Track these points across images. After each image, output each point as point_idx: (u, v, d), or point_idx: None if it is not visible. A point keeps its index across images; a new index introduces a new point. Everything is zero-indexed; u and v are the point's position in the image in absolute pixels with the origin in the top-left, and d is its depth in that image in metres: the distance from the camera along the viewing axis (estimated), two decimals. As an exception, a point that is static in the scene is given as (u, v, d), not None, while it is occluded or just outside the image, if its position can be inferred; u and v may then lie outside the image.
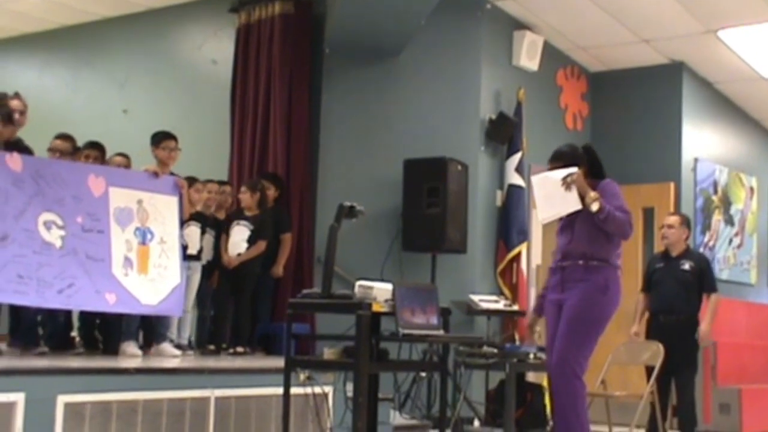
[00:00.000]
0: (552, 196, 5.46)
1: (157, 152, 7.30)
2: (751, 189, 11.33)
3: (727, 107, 10.80)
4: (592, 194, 5.33)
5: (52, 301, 6.25)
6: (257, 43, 9.26)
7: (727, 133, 10.94)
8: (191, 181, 7.74)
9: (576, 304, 5.37)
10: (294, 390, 5.24)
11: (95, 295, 6.44)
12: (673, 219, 7.83)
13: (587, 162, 5.58)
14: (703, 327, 7.49)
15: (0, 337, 7.37)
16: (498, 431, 6.38)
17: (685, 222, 7.84)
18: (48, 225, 6.27)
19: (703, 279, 7.62)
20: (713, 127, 10.53)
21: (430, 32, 8.69)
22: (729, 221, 10.85)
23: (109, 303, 6.55)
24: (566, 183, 5.37)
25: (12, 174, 6.13)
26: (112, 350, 7.09)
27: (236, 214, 8.23)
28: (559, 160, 5.57)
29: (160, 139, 7.34)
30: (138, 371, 5.72)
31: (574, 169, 5.41)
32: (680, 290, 7.62)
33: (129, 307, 6.71)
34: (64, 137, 7.25)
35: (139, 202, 6.86)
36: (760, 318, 10.79)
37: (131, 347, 6.97)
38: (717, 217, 10.58)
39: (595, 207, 5.29)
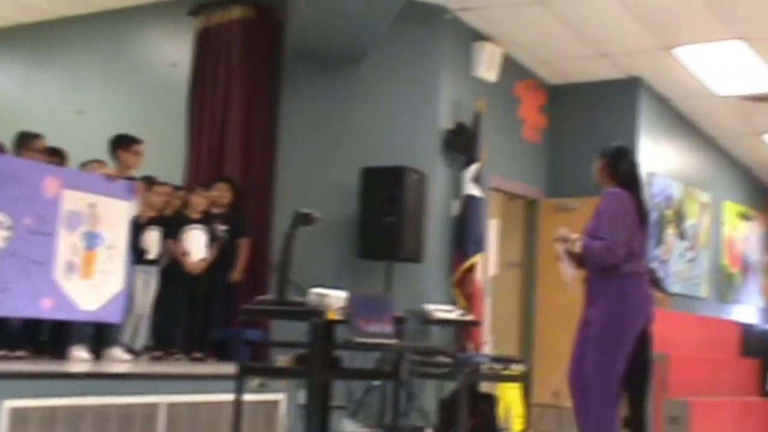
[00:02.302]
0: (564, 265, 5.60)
1: (125, 155, 7.25)
2: (704, 204, 11.46)
3: (682, 123, 10.93)
4: (573, 237, 5.46)
5: None
6: (217, 47, 9.20)
7: (682, 149, 11.06)
8: (149, 181, 7.68)
9: (596, 321, 5.40)
10: (246, 397, 5.20)
11: (29, 300, 6.38)
12: None
13: (608, 161, 5.67)
14: None
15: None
16: (450, 441, 6.37)
17: None
18: (-4, 225, 6.20)
19: None
20: (668, 143, 10.64)
21: (392, 41, 8.69)
22: (682, 236, 10.97)
23: (44, 309, 6.48)
24: (554, 241, 5.53)
25: None
26: (61, 354, 7.00)
27: (185, 218, 8.14)
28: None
29: (130, 142, 7.30)
30: (86, 376, 5.65)
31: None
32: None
33: (66, 312, 6.65)
34: (37, 137, 7.17)
35: (92, 205, 6.80)
36: (709, 331, 10.89)
37: (81, 352, 6.88)
38: (671, 232, 10.69)
39: (577, 249, 5.38)
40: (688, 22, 8.59)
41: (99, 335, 7.29)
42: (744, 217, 12.59)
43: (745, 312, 12.39)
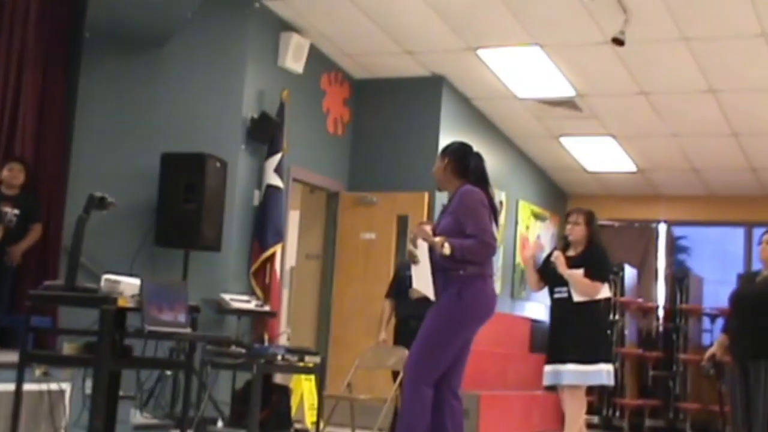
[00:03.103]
0: (418, 270, 5.45)
1: None
2: (500, 203, 11.81)
3: (482, 123, 11.20)
4: (438, 240, 5.27)
5: None
6: (10, 19, 8.78)
7: (481, 148, 10.96)
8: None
9: (429, 316, 5.32)
10: (28, 386, 5.01)
11: None
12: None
13: (455, 159, 5.67)
14: None
15: None
16: (242, 432, 6.33)
17: None
18: None
19: None
20: (469, 141, 10.82)
21: (197, 26, 8.55)
22: (479, 233, 11.24)
23: None
24: (411, 240, 5.42)
25: None
26: None
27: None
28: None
29: None
30: None
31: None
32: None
33: None
34: None
35: None
36: (501, 327, 11.24)
37: None
38: (467, 229, 10.94)
39: (447, 251, 5.22)
40: (490, 25, 8.82)
41: None
42: (538, 217, 13.05)
43: (535, 309, 12.86)
